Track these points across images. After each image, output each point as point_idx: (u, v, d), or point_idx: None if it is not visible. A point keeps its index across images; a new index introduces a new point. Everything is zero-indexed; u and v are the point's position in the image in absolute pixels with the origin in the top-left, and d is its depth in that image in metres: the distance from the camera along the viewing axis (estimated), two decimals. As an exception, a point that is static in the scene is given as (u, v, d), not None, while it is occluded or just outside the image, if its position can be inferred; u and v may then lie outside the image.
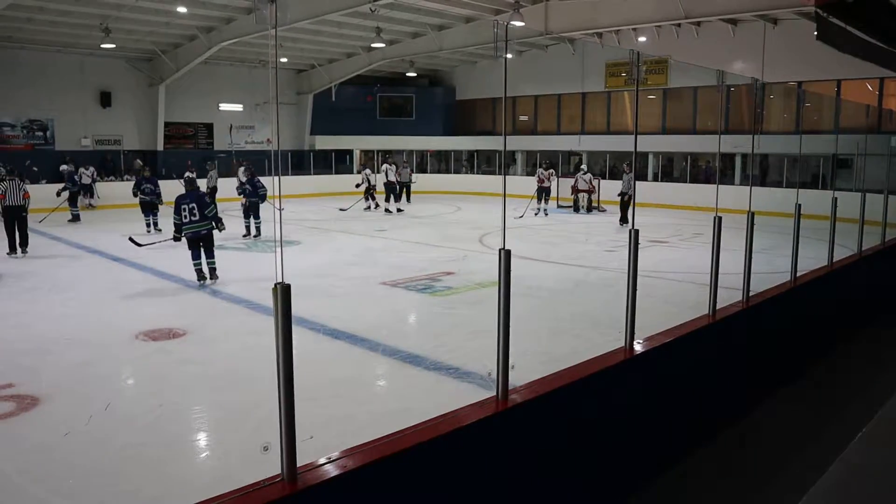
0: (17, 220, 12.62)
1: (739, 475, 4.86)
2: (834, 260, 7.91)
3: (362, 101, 29.83)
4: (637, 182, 15.95)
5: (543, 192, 20.07)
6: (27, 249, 12.72)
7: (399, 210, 20.64)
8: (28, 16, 18.94)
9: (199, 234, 10.17)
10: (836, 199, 7.92)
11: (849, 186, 16.28)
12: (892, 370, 7.02)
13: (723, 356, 5.64)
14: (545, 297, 9.67)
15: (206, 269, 10.27)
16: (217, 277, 10.37)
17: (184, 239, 10.28)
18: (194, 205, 10.12)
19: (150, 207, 15.76)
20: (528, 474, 3.75)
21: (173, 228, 10.32)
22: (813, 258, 7.74)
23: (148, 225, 15.76)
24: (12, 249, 12.55)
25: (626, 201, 17.83)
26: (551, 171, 20.84)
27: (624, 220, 17.61)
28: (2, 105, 22.16)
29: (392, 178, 20.77)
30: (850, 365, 7.36)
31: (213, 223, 10.30)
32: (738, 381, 5.84)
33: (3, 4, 16.26)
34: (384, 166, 21.45)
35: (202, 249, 10.24)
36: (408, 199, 22.55)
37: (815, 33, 5.97)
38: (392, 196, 20.77)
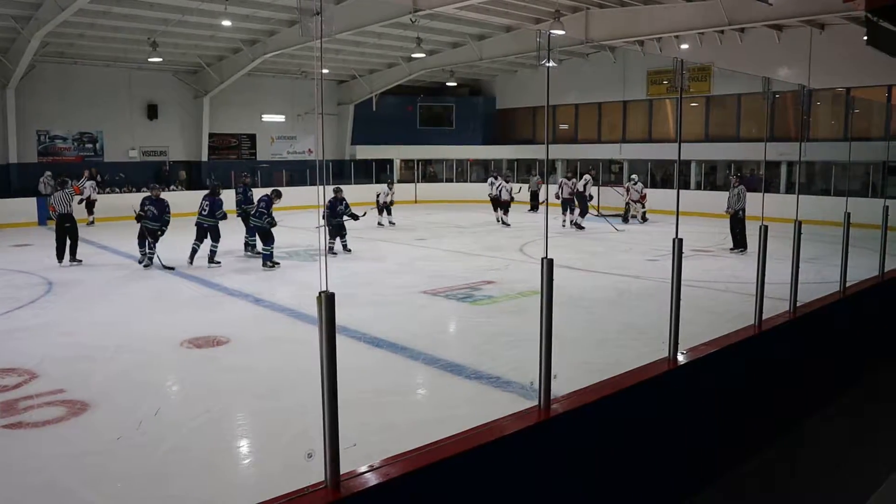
0: (66, 230, 12.92)
1: (789, 487, 4.75)
2: (885, 270, 7.70)
3: (402, 111, 29.99)
4: (680, 190, 15.47)
5: (568, 204, 19.18)
6: (77, 258, 13.05)
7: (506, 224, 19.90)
8: (80, 32, 19.50)
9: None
10: (887, 207, 7.71)
11: (901, 194, 15.87)
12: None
13: (769, 367, 5.52)
14: (587, 306, 9.60)
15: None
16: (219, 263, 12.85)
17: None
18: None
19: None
20: (570, 484, 3.72)
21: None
22: (863, 268, 7.55)
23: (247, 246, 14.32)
24: (60, 258, 12.87)
25: (736, 220, 14.53)
26: (574, 180, 19.83)
27: (739, 244, 14.42)
28: (55, 118, 22.82)
29: (503, 195, 20.12)
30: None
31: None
32: (786, 393, 5.72)
33: (56, 21, 16.80)
34: (495, 181, 20.77)
35: (205, 237, 12.92)
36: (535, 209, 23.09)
37: (865, 38, 5.84)
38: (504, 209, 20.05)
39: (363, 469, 2.86)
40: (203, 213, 13.00)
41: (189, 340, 7.90)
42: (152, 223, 12.53)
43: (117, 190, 23.04)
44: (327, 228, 14.22)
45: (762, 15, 18.00)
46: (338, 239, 14.50)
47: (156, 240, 12.64)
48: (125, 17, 18.41)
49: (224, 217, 13.16)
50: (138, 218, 12.60)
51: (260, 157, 27.65)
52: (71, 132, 23.37)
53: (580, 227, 18.87)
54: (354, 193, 25.80)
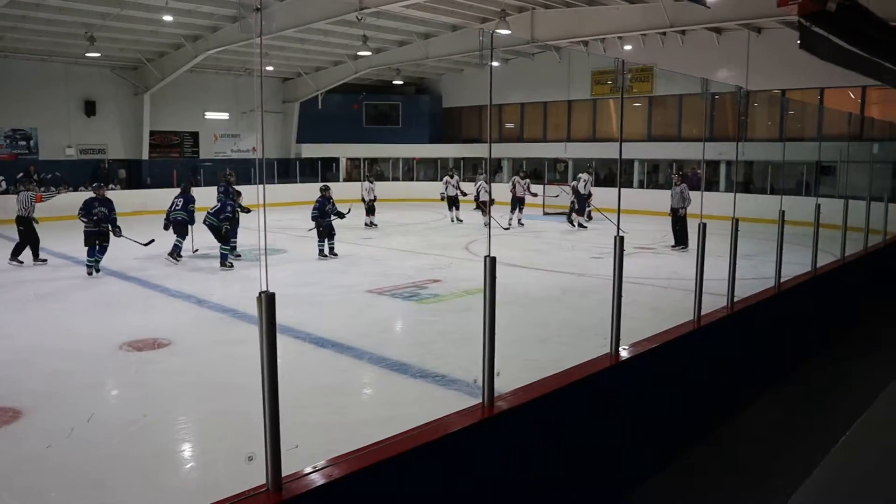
0: (24, 232, 12.76)
1: (727, 477, 4.87)
2: (818, 265, 7.97)
3: (348, 110, 29.77)
4: (622, 189, 15.69)
5: (518, 203, 19.39)
6: (40, 259, 12.88)
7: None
8: (11, 24, 18.81)
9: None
10: (819, 205, 7.98)
11: (832, 193, 16.40)
12: (877, 372, 7.06)
13: (708, 361, 5.66)
14: (531, 304, 9.68)
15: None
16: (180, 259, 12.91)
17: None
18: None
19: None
20: (515, 480, 3.75)
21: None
22: (797, 264, 7.80)
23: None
24: (14, 257, 12.65)
25: (677, 219, 14.87)
26: (528, 180, 20.13)
27: (680, 241, 14.76)
28: (-15, 114, 21.98)
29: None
30: (834, 368, 7.41)
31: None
32: (723, 386, 5.86)
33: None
34: (451, 179, 20.70)
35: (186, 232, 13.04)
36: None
37: (798, 42, 6.00)
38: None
39: (307, 470, 2.83)
40: (176, 208, 13.09)
41: (129, 343, 7.70)
42: (104, 225, 11.93)
43: (53, 189, 22.28)
44: (317, 230, 13.85)
45: (702, 18, 18.43)
46: (326, 240, 13.85)
47: (107, 241, 11.98)
48: (60, 9, 17.81)
49: (193, 216, 13.10)
50: (94, 223, 11.80)
51: (203, 156, 27.08)
52: (3, 129, 22.53)
53: (583, 227, 18.74)
54: (304, 192, 25.62)
